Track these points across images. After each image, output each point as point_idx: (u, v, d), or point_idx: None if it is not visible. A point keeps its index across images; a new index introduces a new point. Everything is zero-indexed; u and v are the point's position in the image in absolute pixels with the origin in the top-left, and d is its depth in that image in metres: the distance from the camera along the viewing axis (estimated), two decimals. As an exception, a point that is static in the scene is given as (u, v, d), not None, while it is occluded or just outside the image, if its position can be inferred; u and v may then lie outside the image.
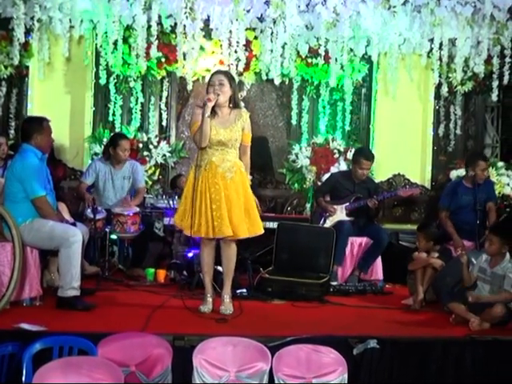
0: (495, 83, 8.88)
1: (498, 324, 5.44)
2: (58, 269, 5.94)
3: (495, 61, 8.81)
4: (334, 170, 8.75)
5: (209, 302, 5.75)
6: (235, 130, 5.62)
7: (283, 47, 8.43)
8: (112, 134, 8.23)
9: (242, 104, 6.06)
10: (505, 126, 9.95)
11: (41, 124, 5.87)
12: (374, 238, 7.36)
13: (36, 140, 5.78)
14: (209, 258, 5.77)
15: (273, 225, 7.30)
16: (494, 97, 9.02)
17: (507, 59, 8.72)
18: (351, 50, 8.75)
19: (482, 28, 8.62)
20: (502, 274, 5.64)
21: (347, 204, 7.47)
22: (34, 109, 8.83)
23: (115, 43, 8.46)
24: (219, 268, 6.06)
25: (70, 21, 8.31)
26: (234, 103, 5.71)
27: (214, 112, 5.63)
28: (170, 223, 7.34)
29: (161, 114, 9.13)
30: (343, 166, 8.81)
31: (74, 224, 5.96)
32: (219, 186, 5.54)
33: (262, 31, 8.54)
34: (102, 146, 8.34)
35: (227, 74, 5.86)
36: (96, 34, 8.59)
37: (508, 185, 8.82)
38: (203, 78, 8.87)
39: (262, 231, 5.75)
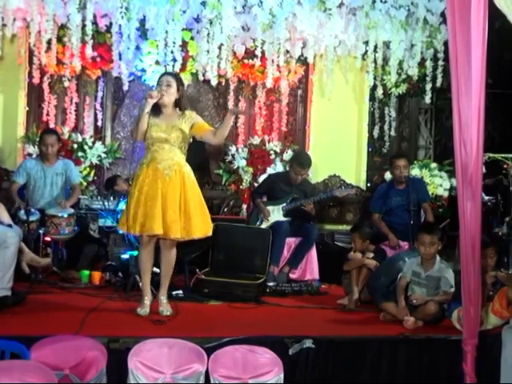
0: (428, 86, 9.01)
1: (431, 322, 5.54)
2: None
3: (428, 64, 8.94)
4: (270, 170, 8.79)
5: (146, 304, 5.70)
6: (177, 129, 5.60)
7: (220, 48, 8.40)
8: None
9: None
10: (438, 128, 10.16)
11: None
12: (303, 235, 7.42)
13: None
14: (147, 261, 5.74)
15: (209, 226, 7.27)
16: (428, 99, 9.16)
17: (440, 62, 8.84)
18: (287, 51, 8.76)
19: (416, 31, 8.77)
20: (438, 275, 5.72)
21: (284, 205, 7.50)
22: (-35, 108, 8.66)
23: (49, 42, 8.30)
24: (155, 269, 6.01)
25: (3, 19, 8.13)
26: (179, 106, 5.71)
27: (158, 110, 5.64)
28: (106, 224, 7.28)
29: (96, 115, 9.04)
30: (279, 167, 8.84)
31: (9, 226, 5.86)
32: (157, 184, 5.53)
33: (198, 32, 8.49)
34: (36, 147, 8.23)
35: (176, 76, 5.96)
36: (29, 33, 8.41)
37: (441, 185, 8.93)
38: (139, 78, 8.85)
39: (201, 235, 5.71)
